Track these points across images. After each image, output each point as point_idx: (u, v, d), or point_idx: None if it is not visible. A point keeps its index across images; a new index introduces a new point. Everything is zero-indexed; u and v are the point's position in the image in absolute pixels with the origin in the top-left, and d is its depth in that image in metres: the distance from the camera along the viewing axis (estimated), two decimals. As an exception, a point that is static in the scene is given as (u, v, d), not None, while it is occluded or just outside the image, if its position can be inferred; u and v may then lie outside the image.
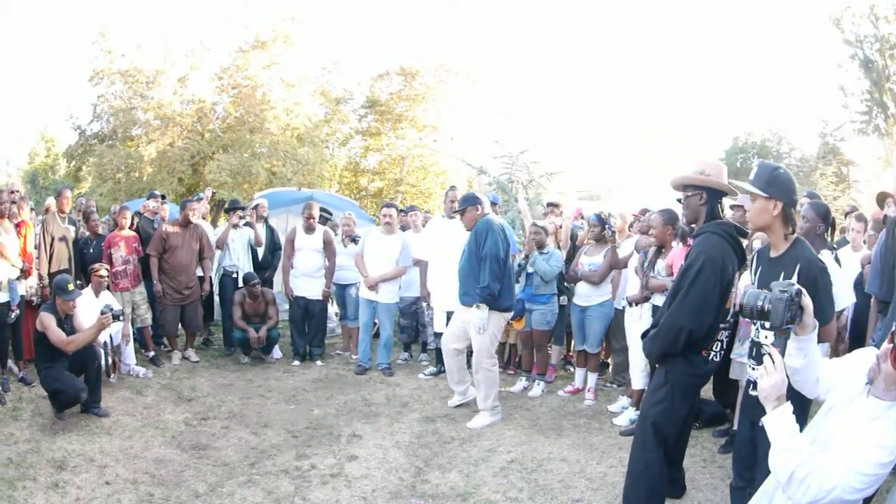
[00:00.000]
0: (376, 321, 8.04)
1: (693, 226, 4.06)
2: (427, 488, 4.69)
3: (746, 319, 2.85)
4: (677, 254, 5.49)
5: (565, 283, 7.11)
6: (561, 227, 7.53)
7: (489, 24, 59.14)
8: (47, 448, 5.07)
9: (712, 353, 3.87)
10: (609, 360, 7.76)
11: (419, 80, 23.68)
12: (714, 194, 3.91)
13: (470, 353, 6.37)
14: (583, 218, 8.28)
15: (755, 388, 2.89)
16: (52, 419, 5.71)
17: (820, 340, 3.21)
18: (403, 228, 8.69)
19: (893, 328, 2.17)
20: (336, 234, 8.75)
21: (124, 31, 21.92)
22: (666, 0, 62.92)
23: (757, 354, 3.14)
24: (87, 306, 6.30)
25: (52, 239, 7.20)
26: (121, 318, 5.96)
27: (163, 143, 20.28)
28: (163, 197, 9.32)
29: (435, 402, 6.78)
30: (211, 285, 8.64)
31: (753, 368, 3.22)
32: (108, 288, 7.04)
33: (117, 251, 7.58)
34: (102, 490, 4.46)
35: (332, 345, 9.04)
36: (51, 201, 7.57)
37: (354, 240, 8.41)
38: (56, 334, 5.64)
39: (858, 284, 5.29)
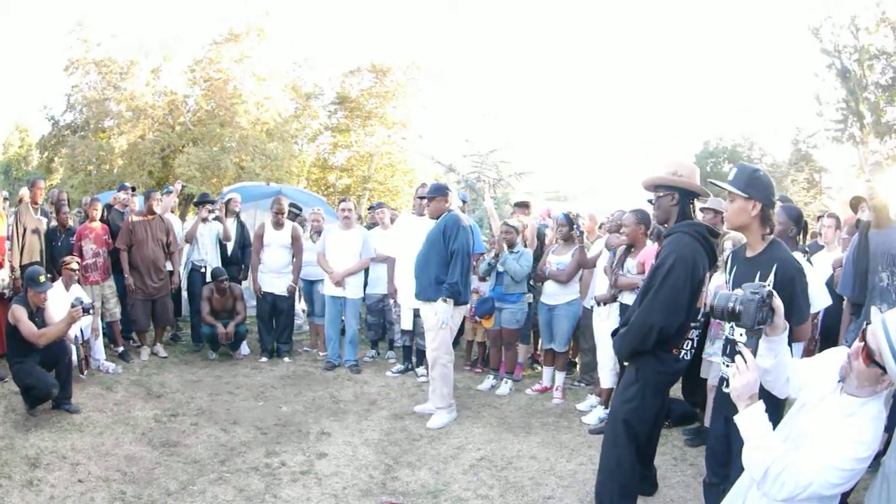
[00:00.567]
0: (343, 318, 8.01)
1: (666, 225, 4.09)
2: (397, 486, 4.67)
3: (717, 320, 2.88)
4: (649, 252, 5.53)
5: (531, 282, 7.14)
6: (527, 226, 7.54)
7: (467, 24, 59.10)
8: (21, 445, 4.98)
9: (683, 352, 3.90)
10: (577, 359, 7.79)
11: (390, 78, 23.62)
12: (686, 195, 3.94)
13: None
14: (550, 217, 8.31)
15: (728, 385, 2.92)
16: (25, 416, 5.61)
17: (796, 340, 3.27)
18: (372, 225, 8.64)
19: (864, 326, 2.20)
20: (305, 230, 8.69)
21: (101, 21, 21.61)
22: (642, 6, 63.27)
23: (731, 351, 3.18)
24: (58, 300, 6.16)
25: (25, 230, 7.05)
26: (91, 311, 5.84)
27: (134, 136, 20.05)
28: (133, 189, 9.17)
29: (403, 399, 6.75)
30: (179, 280, 8.53)
31: (727, 366, 3.25)
32: (78, 281, 6.92)
33: (88, 244, 7.45)
34: (75, 488, 4.39)
35: (299, 341, 8.98)
36: (24, 192, 7.41)
37: (323, 235, 8.34)
38: (27, 327, 5.53)
39: (829, 286, 5.38)
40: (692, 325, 3.88)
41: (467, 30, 56.98)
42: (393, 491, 4.58)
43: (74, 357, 6.24)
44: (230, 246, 8.72)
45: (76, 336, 6.41)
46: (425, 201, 6.43)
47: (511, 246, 6.89)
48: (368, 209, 8.82)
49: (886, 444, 2.55)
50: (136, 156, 19.75)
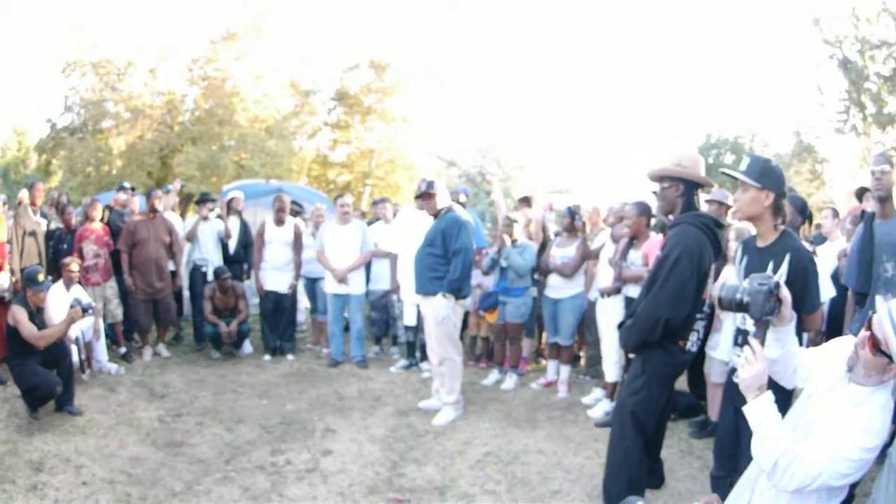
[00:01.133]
0: (346, 315, 7.98)
1: (671, 217, 4.07)
2: (404, 482, 4.66)
3: (725, 312, 2.87)
4: (653, 243, 5.51)
5: (535, 276, 7.12)
6: (531, 220, 7.51)
7: (467, 22, 58.89)
8: (24, 449, 4.96)
9: (689, 343, 3.88)
10: (581, 353, 7.78)
11: (389, 73, 23.54)
12: (691, 186, 3.92)
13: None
14: (553, 210, 8.29)
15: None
16: (28, 419, 5.57)
17: (806, 329, 3.27)
18: (373, 221, 8.61)
19: (870, 315, 2.20)
20: (306, 227, 8.68)
21: (98, 22, 21.55)
22: (641, 2, 63.06)
23: (743, 341, 3.17)
24: (58, 301, 6.14)
25: (24, 233, 7.02)
26: (90, 311, 5.81)
27: (132, 136, 19.95)
28: (132, 189, 9.16)
29: (408, 395, 6.74)
30: (181, 280, 8.52)
31: (738, 356, 3.23)
32: (79, 282, 6.89)
33: (88, 245, 7.42)
34: (80, 491, 4.37)
35: (301, 339, 8.97)
36: (24, 194, 7.38)
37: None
38: (27, 328, 5.50)
39: (834, 277, 5.36)
40: (698, 316, 3.86)
41: (468, 27, 56.75)
42: (399, 487, 4.57)
43: (75, 358, 6.22)
44: (232, 244, 8.71)
45: (77, 337, 6.39)
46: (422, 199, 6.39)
47: (514, 240, 6.87)
48: (372, 204, 8.78)
49: (893, 435, 2.55)
50: (135, 156, 19.66)
